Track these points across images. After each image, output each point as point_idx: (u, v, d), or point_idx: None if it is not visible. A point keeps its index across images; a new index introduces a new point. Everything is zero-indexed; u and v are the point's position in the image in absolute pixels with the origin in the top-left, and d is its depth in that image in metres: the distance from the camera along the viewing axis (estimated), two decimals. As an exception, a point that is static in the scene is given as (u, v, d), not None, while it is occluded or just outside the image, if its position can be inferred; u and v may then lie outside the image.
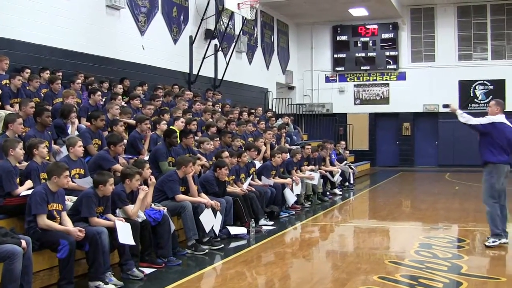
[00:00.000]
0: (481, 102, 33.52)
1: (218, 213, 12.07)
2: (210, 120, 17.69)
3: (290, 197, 16.30)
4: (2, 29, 15.46)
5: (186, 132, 13.93)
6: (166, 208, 10.74)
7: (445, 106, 11.22)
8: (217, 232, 12.04)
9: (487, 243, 11.72)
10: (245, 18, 25.76)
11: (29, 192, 8.81)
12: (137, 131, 13.52)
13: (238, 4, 23.65)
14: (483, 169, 11.95)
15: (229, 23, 26.45)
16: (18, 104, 12.55)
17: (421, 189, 25.61)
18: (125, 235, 9.13)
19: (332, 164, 21.52)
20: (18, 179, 9.29)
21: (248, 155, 15.21)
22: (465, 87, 34.38)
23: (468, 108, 33.74)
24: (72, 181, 9.89)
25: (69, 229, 8.49)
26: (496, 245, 11.62)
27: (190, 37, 24.30)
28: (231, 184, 14.01)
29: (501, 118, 11.78)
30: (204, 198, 11.89)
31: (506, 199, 12.04)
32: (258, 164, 16.42)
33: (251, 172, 15.32)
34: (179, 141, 13.83)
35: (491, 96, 33.10)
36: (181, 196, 11.48)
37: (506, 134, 11.65)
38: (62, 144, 11.71)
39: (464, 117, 11.80)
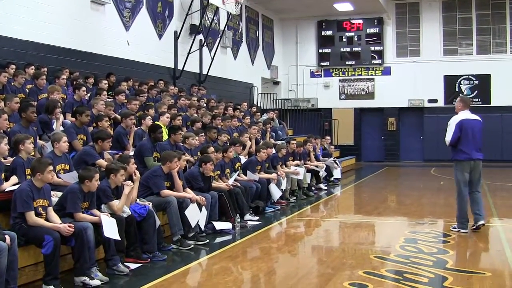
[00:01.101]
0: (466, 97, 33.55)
1: (203, 208, 12.08)
2: (195, 115, 17.66)
3: (275, 192, 16.30)
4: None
5: (175, 128, 13.87)
6: (151, 204, 10.73)
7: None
8: (202, 227, 12.03)
9: (451, 227, 12.90)
10: (230, 13, 25.75)
11: (15, 187, 8.79)
12: (122, 126, 13.50)
13: (223, -1, 23.65)
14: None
15: (214, 18, 26.40)
16: (3, 100, 12.50)
17: (406, 184, 25.73)
18: (111, 230, 9.13)
19: (317, 159, 21.53)
20: (3, 175, 9.26)
21: (233, 150, 15.21)
22: (450, 82, 34.46)
23: (453, 103, 33.61)
24: (58, 177, 9.91)
25: (58, 226, 8.47)
26: (455, 231, 12.63)
27: (175, 32, 24.26)
28: (216, 180, 14.00)
29: (465, 114, 12.66)
30: (189, 193, 11.89)
31: (480, 187, 12.88)
32: (243, 159, 16.43)
33: (236, 167, 15.34)
34: (167, 137, 13.84)
35: (476, 91, 33.36)
36: (166, 192, 11.48)
37: (470, 132, 12.51)
38: (48, 139, 11.68)
39: (447, 142, 12.75)
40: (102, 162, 11.14)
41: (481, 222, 12.55)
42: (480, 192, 12.93)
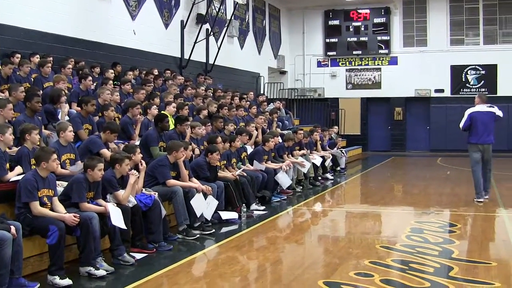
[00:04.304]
0: (473, 87, 33.55)
1: (213, 198, 12.07)
2: (201, 104, 17.63)
3: (285, 180, 16.29)
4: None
5: (182, 119, 13.84)
6: (157, 193, 10.72)
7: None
8: (209, 218, 12.01)
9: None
10: (237, 2, 25.72)
11: (19, 177, 8.78)
12: (128, 116, 13.46)
13: (230, -12, 23.61)
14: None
15: (221, 7, 26.35)
16: (7, 90, 12.47)
17: (412, 174, 25.68)
18: (117, 218, 9.12)
19: (324, 149, 21.51)
20: (8, 165, 9.25)
21: (239, 140, 15.18)
22: (457, 72, 34.38)
23: (460, 93, 33.81)
24: (63, 167, 9.92)
25: (63, 216, 8.45)
26: (476, 201, 15.27)
27: (182, 21, 24.22)
28: (222, 169, 13.98)
29: (479, 107, 15.36)
30: (195, 183, 11.87)
31: (491, 167, 15.66)
32: (249, 149, 16.40)
33: (242, 157, 15.31)
34: (173, 127, 13.81)
35: (483, 81, 33.28)
36: (172, 181, 11.46)
37: (479, 122, 15.15)
38: (53, 129, 11.65)
39: (460, 128, 15.70)
40: (106, 152, 11.07)
41: (486, 197, 15.51)
42: (491, 171, 15.75)
